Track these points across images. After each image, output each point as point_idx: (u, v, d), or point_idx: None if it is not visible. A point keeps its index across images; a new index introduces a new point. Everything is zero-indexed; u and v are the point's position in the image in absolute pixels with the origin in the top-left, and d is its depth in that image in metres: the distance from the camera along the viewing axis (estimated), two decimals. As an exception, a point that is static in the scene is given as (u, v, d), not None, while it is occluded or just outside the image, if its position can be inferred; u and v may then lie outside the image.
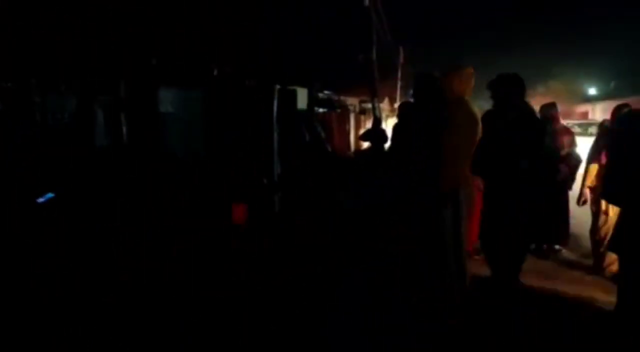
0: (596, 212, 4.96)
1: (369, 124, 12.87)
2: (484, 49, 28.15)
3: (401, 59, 23.89)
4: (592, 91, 30.95)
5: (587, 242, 5.29)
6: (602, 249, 4.81)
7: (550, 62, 32.26)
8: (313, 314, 3.63)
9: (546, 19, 32.47)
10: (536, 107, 4.83)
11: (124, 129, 4.84)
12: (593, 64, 29.08)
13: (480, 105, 4.75)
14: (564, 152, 5.44)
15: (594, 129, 14.44)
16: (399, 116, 4.43)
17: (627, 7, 23.01)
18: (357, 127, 15.08)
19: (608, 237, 4.36)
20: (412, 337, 3.23)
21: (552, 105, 5.71)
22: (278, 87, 7.11)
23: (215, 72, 6.63)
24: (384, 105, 21.79)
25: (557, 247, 5.60)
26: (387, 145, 5.47)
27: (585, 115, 28.37)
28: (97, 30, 4.76)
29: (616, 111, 4.77)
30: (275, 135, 6.59)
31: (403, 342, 3.20)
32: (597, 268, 4.91)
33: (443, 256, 3.64)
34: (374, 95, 13.09)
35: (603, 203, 4.79)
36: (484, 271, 4.13)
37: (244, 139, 6.11)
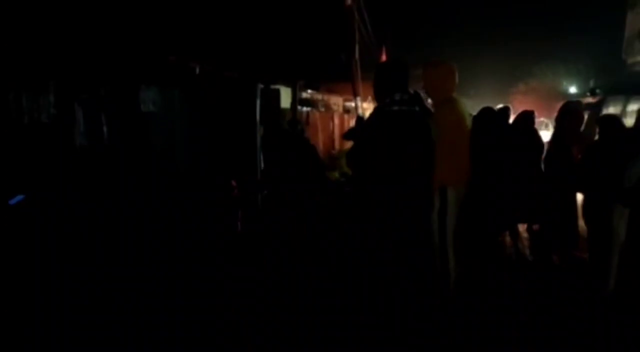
0: None
1: (352, 123, 12.88)
2: (465, 49, 28.36)
3: (383, 58, 23.95)
4: (572, 89, 31.36)
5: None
6: None
7: (530, 61, 32.65)
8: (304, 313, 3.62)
9: (525, 18, 32.85)
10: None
11: (105, 129, 4.76)
12: (572, 63, 29.48)
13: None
14: None
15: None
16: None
17: (605, 7, 23.39)
18: (341, 126, 15.09)
19: None
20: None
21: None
22: (261, 86, 7.06)
23: (197, 71, 6.56)
24: (367, 104, 21.85)
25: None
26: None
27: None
28: (80, 29, 4.68)
29: None
30: (259, 134, 6.56)
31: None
32: None
33: (428, 256, 3.62)
34: (357, 95, 13.13)
35: None
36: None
37: (227, 138, 6.06)
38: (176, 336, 3.25)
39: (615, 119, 4.89)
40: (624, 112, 8.16)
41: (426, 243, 3.60)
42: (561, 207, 5.20)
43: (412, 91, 3.52)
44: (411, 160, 3.36)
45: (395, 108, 3.39)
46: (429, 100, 4.33)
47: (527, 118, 5.79)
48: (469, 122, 3.79)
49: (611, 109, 8.51)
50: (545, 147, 5.61)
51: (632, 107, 7.95)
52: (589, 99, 10.60)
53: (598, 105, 9.16)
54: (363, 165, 3.56)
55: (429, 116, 3.55)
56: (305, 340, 3.29)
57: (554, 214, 5.27)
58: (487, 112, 5.48)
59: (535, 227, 5.92)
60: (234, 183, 5.64)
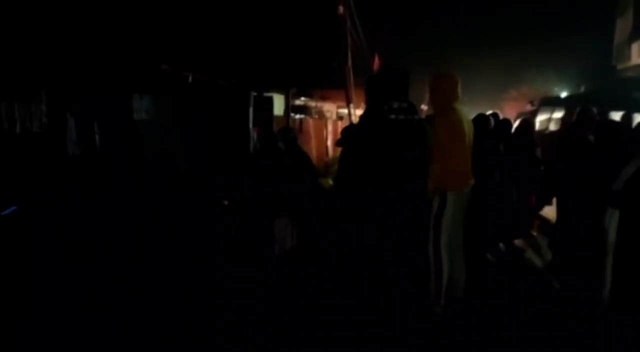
0: None
1: (346, 130, 12.92)
2: (458, 56, 28.56)
3: (375, 65, 24.05)
4: (564, 94, 31.66)
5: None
6: None
7: (521, 67, 32.84)
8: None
9: (517, 24, 33.14)
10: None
11: (97, 138, 4.74)
12: (563, 69, 29.72)
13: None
14: None
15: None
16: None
17: (596, 13, 23.67)
18: (335, 133, 15.11)
19: None
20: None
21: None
22: (254, 93, 7.06)
23: (190, 79, 6.57)
24: (360, 111, 21.94)
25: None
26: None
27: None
28: (72, 38, 4.68)
29: None
30: (252, 142, 6.56)
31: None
32: None
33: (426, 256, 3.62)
34: (350, 102, 13.19)
35: None
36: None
37: (220, 145, 6.07)
38: (176, 336, 3.24)
39: (615, 122, 5.02)
40: (550, 118, 10.67)
41: (424, 244, 3.61)
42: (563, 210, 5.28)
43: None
44: (408, 166, 3.38)
45: (393, 117, 3.40)
46: (422, 106, 4.38)
47: (528, 124, 6.27)
48: (468, 128, 3.81)
49: (543, 116, 11.05)
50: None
51: (557, 115, 10.46)
52: (529, 107, 12.43)
53: (534, 113, 11.02)
54: (355, 169, 3.56)
55: (427, 123, 3.60)
56: (306, 339, 3.29)
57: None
58: (481, 118, 5.56)
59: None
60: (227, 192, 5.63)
